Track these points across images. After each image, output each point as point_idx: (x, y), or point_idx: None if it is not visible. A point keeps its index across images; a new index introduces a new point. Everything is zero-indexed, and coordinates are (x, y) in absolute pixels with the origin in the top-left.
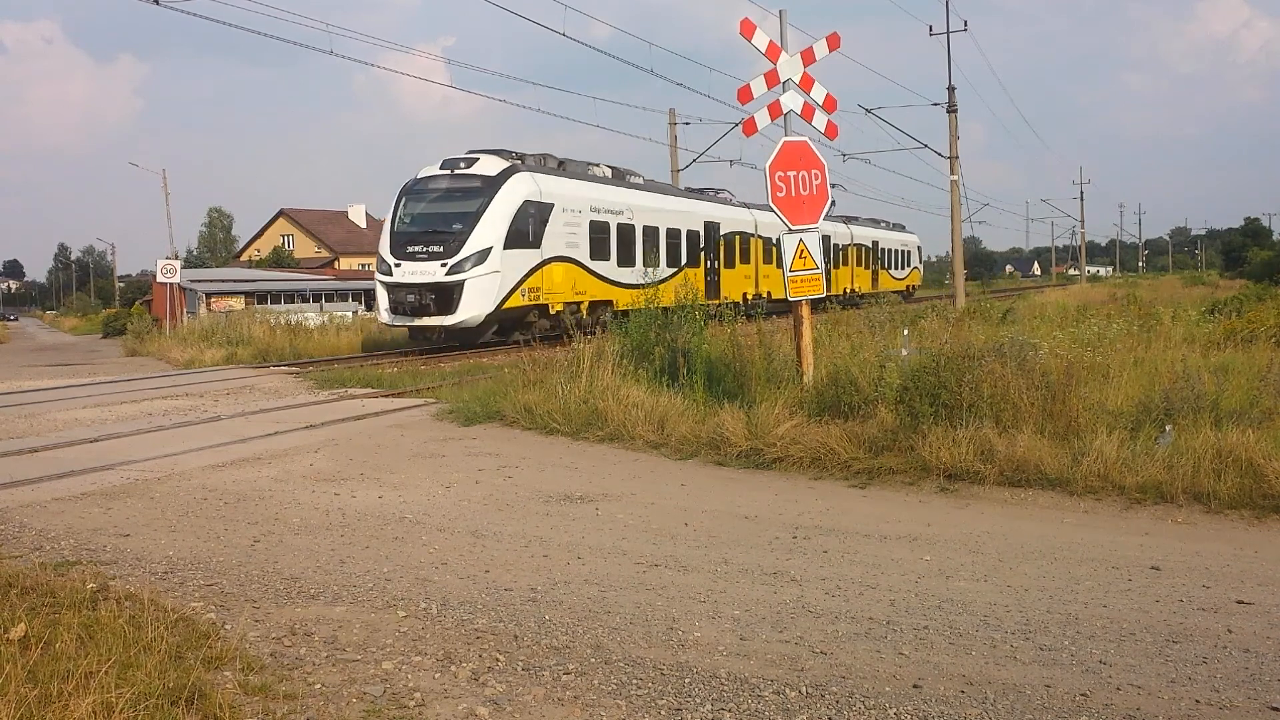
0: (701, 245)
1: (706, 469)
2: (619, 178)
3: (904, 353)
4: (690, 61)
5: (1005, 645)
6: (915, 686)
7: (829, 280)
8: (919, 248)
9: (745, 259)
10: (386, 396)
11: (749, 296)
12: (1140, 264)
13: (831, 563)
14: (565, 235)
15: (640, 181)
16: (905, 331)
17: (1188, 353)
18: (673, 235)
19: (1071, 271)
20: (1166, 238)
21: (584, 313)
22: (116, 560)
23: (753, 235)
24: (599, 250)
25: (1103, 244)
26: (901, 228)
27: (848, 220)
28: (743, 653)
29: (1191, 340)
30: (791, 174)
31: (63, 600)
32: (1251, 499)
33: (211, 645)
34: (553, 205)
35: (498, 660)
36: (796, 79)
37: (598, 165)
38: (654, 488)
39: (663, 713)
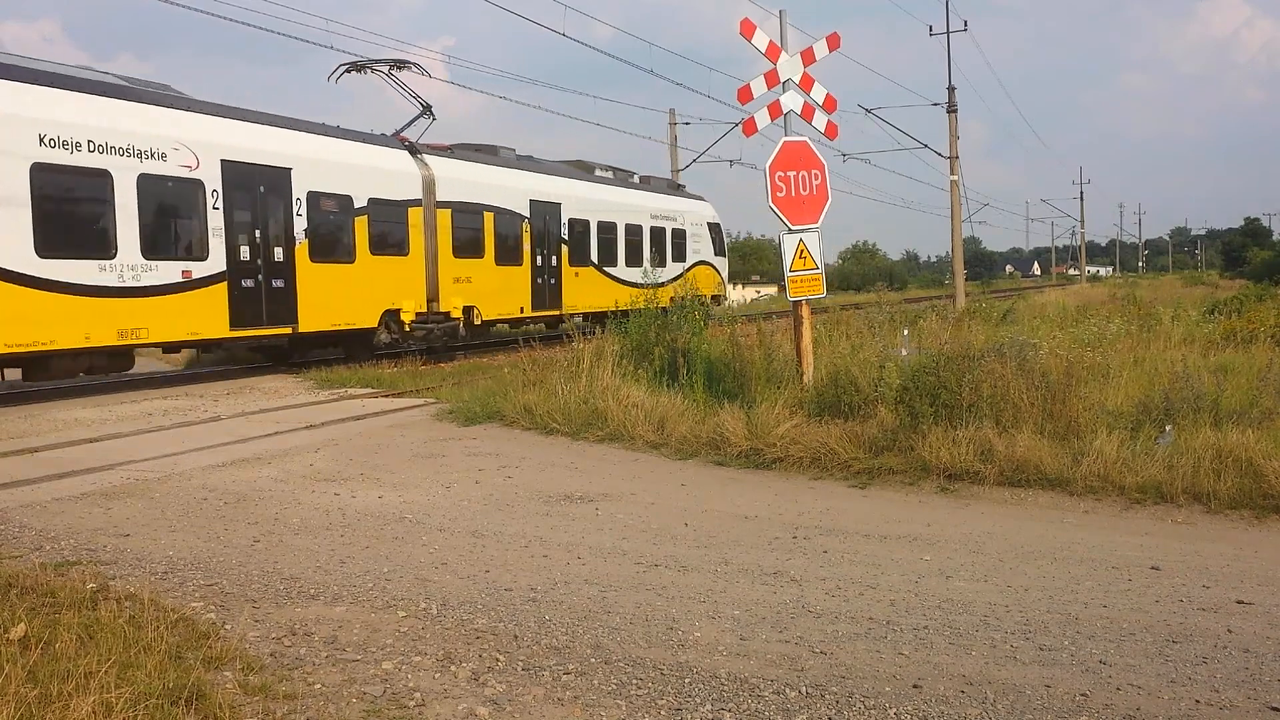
0: None
1: (706, 469)
2: None
3: (904, 353)
4: (690, 61)
5: (1005, 645)
6: (915, 686)
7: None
8: (713, 225)
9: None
10: (386, 396)
11: None
12: (1140, 264)
13: (831, 563)
14: None
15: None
16: (905, 332)
17: (1187, 353)
18: None
19: (1071, 271)
20: (1166, 238)
21: None
22: (116, 560)
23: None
24: None
25: (1103, 244)
26: (678, 189)
27: (520, 163)
28: (743, 653)
29: (1191, 340)
30: (791, 174)
31: (63, 600)
32: (1251, 499)
33: (211, 645)
34: None
35: (498, 660)
36: (796, 79)
37: None
38: (654, 488)
39: (663, 713)
